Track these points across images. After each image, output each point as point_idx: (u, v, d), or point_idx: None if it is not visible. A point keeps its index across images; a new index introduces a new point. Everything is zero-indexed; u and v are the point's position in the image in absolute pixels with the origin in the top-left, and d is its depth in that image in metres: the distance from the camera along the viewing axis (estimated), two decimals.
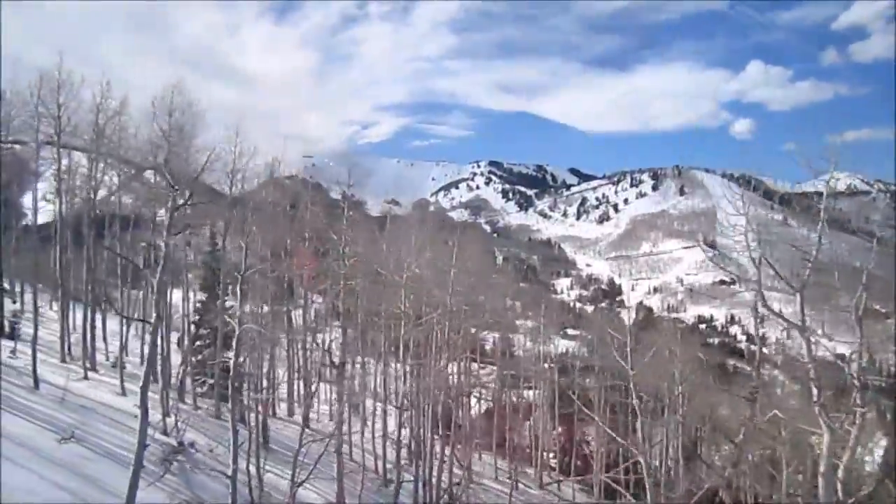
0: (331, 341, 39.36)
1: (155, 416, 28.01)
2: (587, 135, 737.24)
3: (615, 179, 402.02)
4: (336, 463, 25.14)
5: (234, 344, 17.53)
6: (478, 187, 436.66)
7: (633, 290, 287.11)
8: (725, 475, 41.61)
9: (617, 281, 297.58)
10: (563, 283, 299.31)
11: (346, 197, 35.37)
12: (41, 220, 41.82)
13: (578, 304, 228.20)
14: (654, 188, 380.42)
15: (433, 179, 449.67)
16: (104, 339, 40.11)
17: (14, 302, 41.10)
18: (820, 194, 19.44)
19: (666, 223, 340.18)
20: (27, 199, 54.17)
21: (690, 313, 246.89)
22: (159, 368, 33.68)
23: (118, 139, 35.25)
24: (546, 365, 49.46)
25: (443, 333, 35.57)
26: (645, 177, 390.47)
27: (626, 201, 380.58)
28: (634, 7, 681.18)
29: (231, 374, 17.50)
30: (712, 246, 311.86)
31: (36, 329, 28.12)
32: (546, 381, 48.05)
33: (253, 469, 24.29)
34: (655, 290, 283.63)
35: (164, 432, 26.21)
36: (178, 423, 26.52)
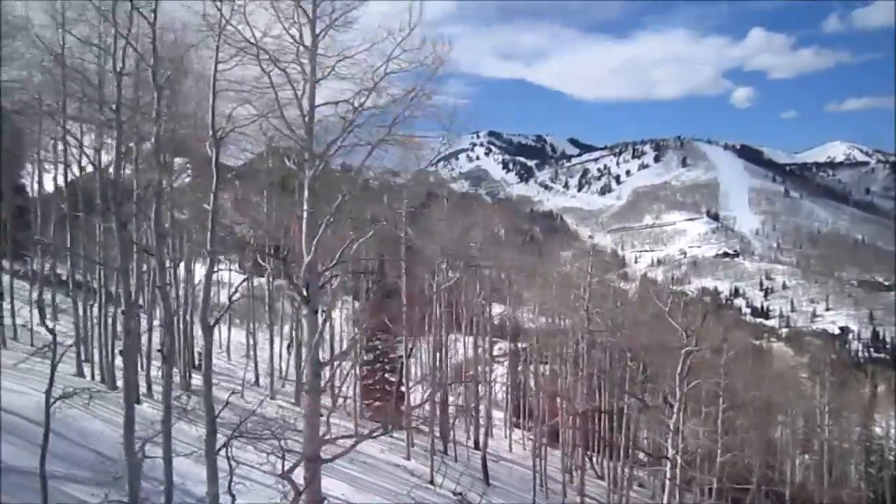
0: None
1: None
2: (587, 103, 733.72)
3: (617, 150, 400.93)
4: None
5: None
6: (477, 158, 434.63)
7: (636, 262, 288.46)
8: None
9: (620, 253, 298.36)
10: (565, 256, 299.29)
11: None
12: None
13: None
14: (657, 159, 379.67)
15: (432, 149, 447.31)
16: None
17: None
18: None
19: (668, 195, 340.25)
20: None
21: (694, 286, 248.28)
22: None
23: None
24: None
25: None
26: (647, 148, 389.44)
27: (627, 173, 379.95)
28: None
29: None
30: (715, 218, 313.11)
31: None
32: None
33: None
34: (659, 262, 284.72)
35: (431, 482, 25.91)
36: (437, 471, 26.43)
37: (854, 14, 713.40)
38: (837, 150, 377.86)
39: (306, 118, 10.27)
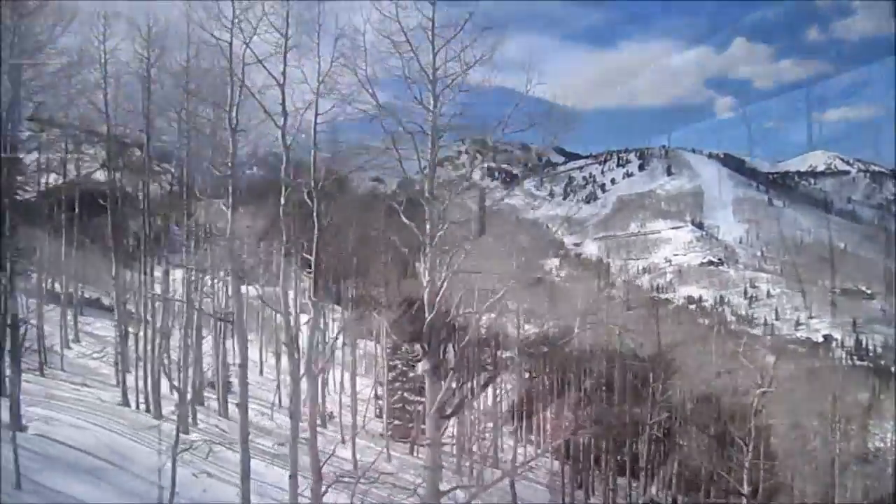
0: None
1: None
2: (570, 111, 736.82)
3: (602, 159, 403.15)
4: None
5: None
6: (463, 166, 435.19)
7: (621, 270, 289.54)
8: None
9: (605, 261, 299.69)
10: (551, 263, 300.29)
11: None
12: None
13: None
14: (642, 168, 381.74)
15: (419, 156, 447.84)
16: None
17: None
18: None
19: (653, 203, 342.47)
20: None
21: (680, 294, 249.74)
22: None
23: None
24: None
25: None
26: (632, 156, 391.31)
27: (613, 181, 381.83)
28: None
29: None
30: (700, 226, 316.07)
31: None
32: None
33: None
34: (644, 270, 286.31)
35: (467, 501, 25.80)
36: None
37: (833, 26, 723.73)
38: (818, 160, 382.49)
39: (427, 176, 10.47)
